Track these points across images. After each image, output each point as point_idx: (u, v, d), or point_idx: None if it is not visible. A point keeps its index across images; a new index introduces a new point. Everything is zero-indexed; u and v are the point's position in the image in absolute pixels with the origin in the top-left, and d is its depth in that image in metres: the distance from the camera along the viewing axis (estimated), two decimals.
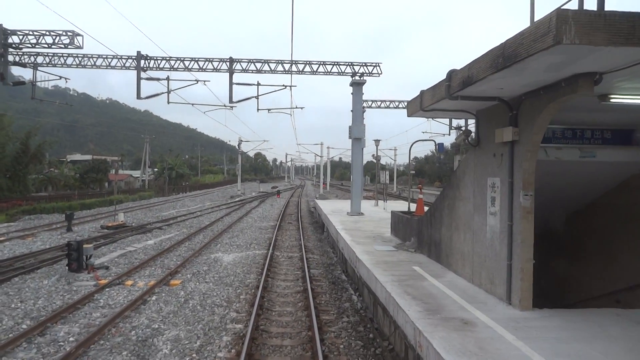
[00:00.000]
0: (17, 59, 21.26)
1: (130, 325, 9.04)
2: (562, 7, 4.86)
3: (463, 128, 24.03)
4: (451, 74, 7.30)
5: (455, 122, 28.33)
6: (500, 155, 7.43)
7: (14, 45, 20.23)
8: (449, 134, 32.80)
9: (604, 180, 8.59)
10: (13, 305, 10.22)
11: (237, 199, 48.71)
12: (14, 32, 20.06)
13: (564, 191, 8.92)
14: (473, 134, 8.68)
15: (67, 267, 13.22)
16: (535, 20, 5.13)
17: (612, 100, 6.23)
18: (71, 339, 8.28)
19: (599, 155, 7.76)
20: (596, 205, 9.27)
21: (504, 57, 5.40)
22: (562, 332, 5.98)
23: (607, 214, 8.96)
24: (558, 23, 4.37)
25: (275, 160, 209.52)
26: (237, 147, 63.90)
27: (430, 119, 29.63)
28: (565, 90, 5.76)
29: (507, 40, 5.35)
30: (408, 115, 10.17)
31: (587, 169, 8.02)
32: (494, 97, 7.18)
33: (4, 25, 19.89)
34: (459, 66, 7.17)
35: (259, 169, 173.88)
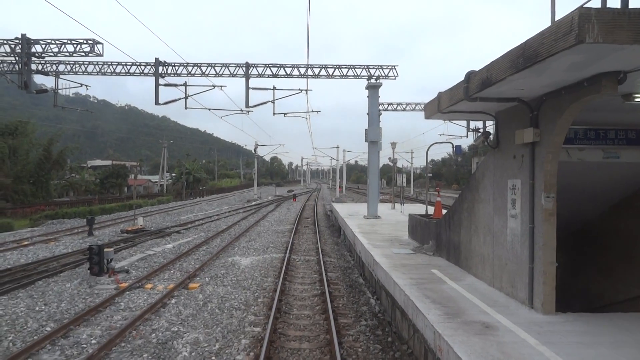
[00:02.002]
0: (39, 67, 21.82)
1: (150, 328, 9.15)
2: (584, 6, 4.77)
3: (481, 130, 23.78)
4: (470, 75, 7.24)
5: (472, 124, 28.03)
6: (521, 157, 7.32)
7: (36, 54, 20.77)
8: (467, 136, 32.42)
9: (628, 181, 8.39)
10: (37, 308, 10.43)
11: (253, 203, 49.00)
12: (36, 42, 20.60)
13: (587, 193, 8.73)
14: (492, 136, 8.58)
15: (88, 271, 13.45)
16: (556, 19, 5.05)
17: (636, 99, 6.09)
18: (93, 341, 8.42)
19: (623, 156, 7.58)
20: (620, 207, 9.05)
21: (525, 57, 5.32)
22: (587, 336, 5.84)
23: (632, 216, 8.74)
24: (580, 22, 4.29)
25: (291, 164, 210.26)
26: (253, 151, 64.39)
27: (448, 121, 29.37)
28: (588, 90, 5.65)
29: (527, 40, 5.28)
30: (426, 118, 10.11)
31: (611, 170, 7.84)
32: (513, 98, 7.08)
33: (28, 35, 20.45)
34: (476, 68, 7.10)
35: (275, 172, 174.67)
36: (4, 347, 8.16)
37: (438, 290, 8.15)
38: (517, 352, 5.29)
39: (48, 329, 9.08)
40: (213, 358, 7.65)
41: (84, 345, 8.21)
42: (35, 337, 8.55)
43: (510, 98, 7.09)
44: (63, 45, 20.50)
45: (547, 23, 5.44)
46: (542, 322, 6.35)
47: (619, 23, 4.31)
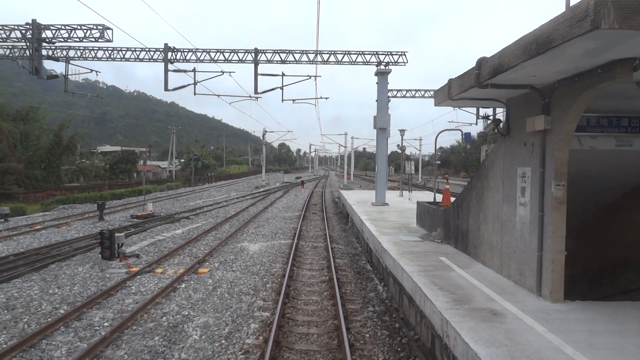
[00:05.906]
0: (50, 53, 21.88)
1: (161, 311, 9.31)
2: None
3: (491, 117, 23.54)
4: (481, 61, 7.15)
5: (482, 111, 27.76)
6: (532, 145, 7.26)
7: (47, 40, 20.82)
8: (476, 124, 32.13)
9: None
10: (51, 291, 10.64)
11: (261, 190, 49.16)
12: (47, 27, 20.63)
13: (598, 181, 8.66)
14: (502, 123, 8.51)
15: (100, 255, 13.67)
16: (571, 4, 4.96)
17: None
18: (106, 324, 8.59)
19: (636, 144, 7.49)
20: (632, 195, 8.97)
21: (538, 43, 5.25)
22: (595, 324, 5.85)
23: None
24: (596, 7, 4.22)
25: (299, 150, 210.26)
26: (261, 137, 64.40)
27: (457, 108, 29.15)
28: (602, 77, 5.57)
29: (541, 26, 5.20)
30: (435, 105, 10.04)
31: (623, 158, 7.76)
32: (525, 85, 7.00)
33: (38, 20, 20.49)
34: (487, 55, 7.02)
35: (283, 159, 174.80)
36: (19, 328, 8.36)
37: (446, 277, 8.19)
38: (525, 339, 5.32)
39: (62, 311, 9.28)
40: (223, 341, 7.78)
41: (97, 328, 8.39)
42: (49, 319, 8.74)
43: (522, 85, 7.01)
44: (73, 31, 20.52)
45: (562, 9, 5.36)
46: (550, 310, 6.36)
47: (635, 8, 4.22)
